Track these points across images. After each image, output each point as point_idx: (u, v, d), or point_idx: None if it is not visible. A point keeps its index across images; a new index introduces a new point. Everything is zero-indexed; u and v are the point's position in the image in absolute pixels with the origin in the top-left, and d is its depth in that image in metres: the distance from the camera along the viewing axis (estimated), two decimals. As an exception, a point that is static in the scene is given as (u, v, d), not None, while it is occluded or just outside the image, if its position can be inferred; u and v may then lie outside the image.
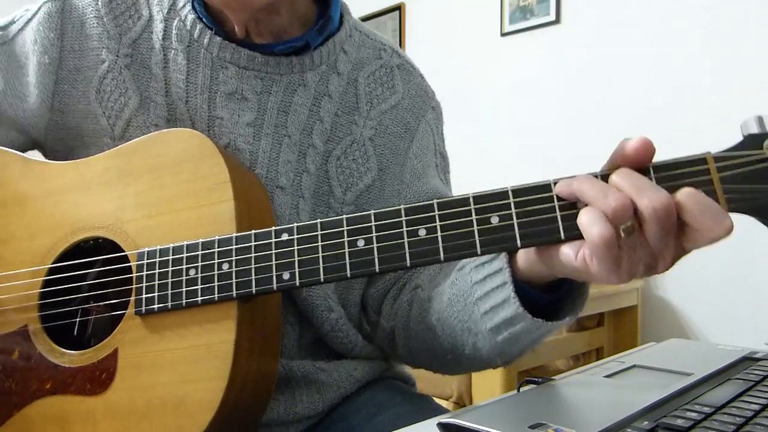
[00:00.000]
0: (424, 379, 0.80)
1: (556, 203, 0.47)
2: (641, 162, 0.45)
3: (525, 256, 0.52)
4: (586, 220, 0.44)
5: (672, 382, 0.54)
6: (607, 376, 0.59)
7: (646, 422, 0.43)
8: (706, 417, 0.44)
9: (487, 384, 1.70)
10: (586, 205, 0.45)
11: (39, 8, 0.73)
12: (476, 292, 0.58)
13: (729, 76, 2.14)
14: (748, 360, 0.63)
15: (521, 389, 0.56)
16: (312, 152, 0.71)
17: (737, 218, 0.44)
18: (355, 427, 0.70)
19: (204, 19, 0.70)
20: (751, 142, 0.45)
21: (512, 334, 0.56)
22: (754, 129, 0.45)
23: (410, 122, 0.77)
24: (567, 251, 0.47)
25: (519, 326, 0.55)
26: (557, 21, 2.61)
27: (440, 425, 0.46)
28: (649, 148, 0.45)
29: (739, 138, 0.46)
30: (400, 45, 3.23)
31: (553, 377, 0.59)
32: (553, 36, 2.63)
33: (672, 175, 0.45)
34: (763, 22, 2.07)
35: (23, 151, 0.72)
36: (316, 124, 0.72)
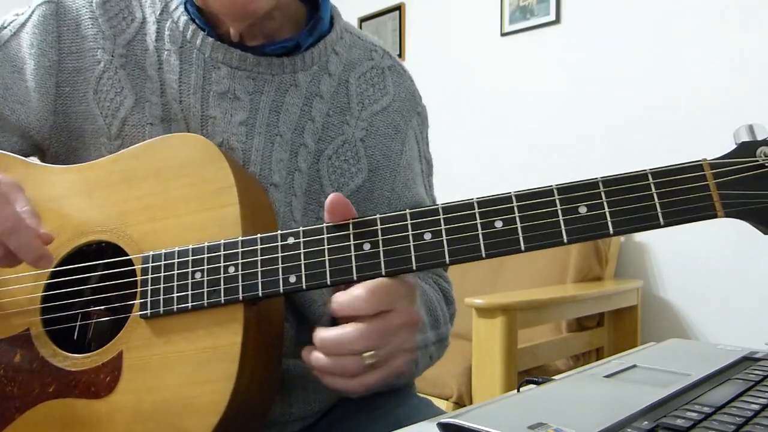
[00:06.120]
0: (423, 379, 0.80)
1: (558, 208, 0.48)
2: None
3: None
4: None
5: (672, 382, 0.54)
6: (607, 376, 0.59)
7: (646, 422, 0.43)
8: (706, 417, 0.44)
9: (487, 384, 1.70)
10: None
11: (33, 11, 0.73)
12: None
13: (729, 76, 2.15)
14: (748, 360, 0.63)
15: (521, 389, 0.56)
16: (303, 151, 0.72)
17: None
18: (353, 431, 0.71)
19: (197, 21, 0.71)
20: (744, 149, 0.47)
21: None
22: (746, 137, 0.47)
23: (400, 125, 0.79)
24: None
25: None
26: (557, 21, 2.61)
27: (440, 425, 0.46)
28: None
29: (731, 142, 0.48)
30: (400, 45, 3.23)
31: (553, 377, 0.59)
32: (553, 36, 2.63)
33: (670, 180, 0.46)
34: (763, 22, 2.07)
35: (25, 157, 0.72)
36: (308, 124, 0.72)
